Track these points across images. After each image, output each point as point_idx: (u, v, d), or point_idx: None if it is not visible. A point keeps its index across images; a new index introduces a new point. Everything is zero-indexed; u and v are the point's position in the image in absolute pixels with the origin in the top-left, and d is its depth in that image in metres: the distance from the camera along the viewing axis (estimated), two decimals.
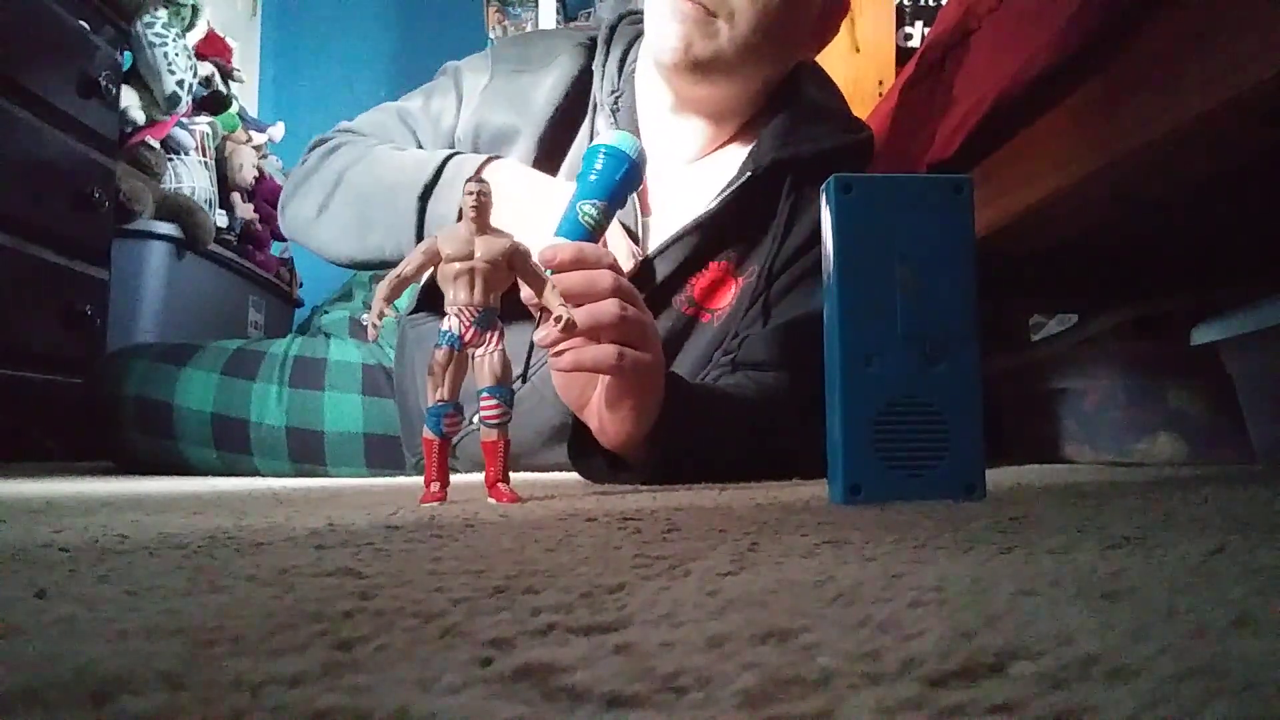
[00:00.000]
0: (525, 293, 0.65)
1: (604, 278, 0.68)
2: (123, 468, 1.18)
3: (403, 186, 0.87)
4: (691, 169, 0.98)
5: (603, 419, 0.73)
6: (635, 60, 0.98)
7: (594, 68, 0.98)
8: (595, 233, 0.73)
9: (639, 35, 1.00)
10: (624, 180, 0.74)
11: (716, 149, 0.99)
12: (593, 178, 0.74)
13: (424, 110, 1.02)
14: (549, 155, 0.95)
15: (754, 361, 0.90)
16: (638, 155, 0.75)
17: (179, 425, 1.11)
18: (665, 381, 0.75)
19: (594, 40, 1.01)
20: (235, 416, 1.10)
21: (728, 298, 0.94)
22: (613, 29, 1.01)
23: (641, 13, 0.97)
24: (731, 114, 0.97)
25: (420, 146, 1.00)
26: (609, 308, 0.67)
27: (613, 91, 0.97)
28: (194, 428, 1.11)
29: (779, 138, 0.94)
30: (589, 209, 0.73)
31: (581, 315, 0.66)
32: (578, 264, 0.68)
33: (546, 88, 0.97)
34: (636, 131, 0.95)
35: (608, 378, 0.71)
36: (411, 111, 1.02)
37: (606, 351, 0.68)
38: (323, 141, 1.02)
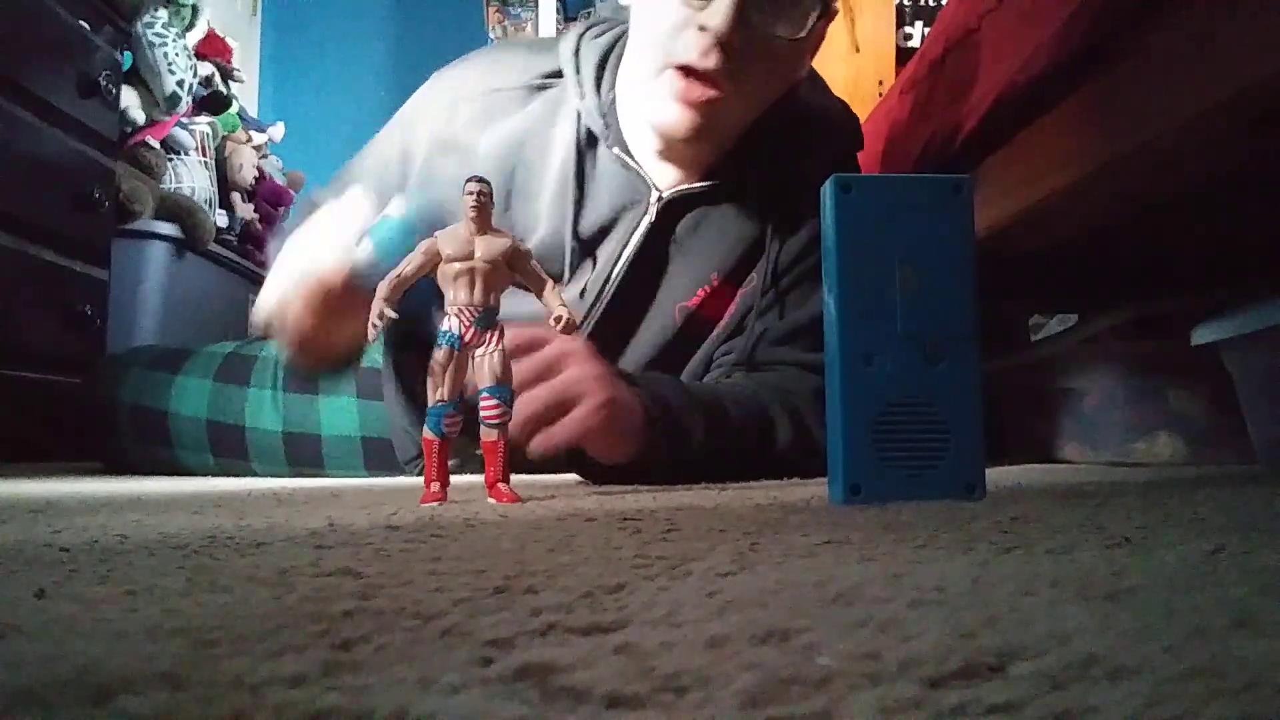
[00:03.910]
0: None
1: (551, 353, 0.69)
2: (117, 470, 1.18)
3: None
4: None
5: (586, 450, 0.74)
6: (613, 89, 0.91)
7: (578, 108, 0.92)
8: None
9: (606, 54, 0.93)
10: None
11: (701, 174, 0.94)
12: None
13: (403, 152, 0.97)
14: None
15: (755, 364, 0.90)
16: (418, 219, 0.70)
17: (175, 433, 1.11)
18: (665, 386, 0.76)
19: (546, 79, 0.94)
20: (231, 423, 1.10)
21: (729, 307, 0.94)
22: (577, 65, 0.93)
23: (599, 24, 0.94)
24: (723, 147, 0.92)
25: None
26: (537, 394, 0.68)
27: (605, 126, 0.91)
28: (190, 435, 1.11)
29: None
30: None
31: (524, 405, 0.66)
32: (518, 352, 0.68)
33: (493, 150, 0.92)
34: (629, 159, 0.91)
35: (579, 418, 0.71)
36: (402, 153, 0.98)
37: (569, 424, 0.68)
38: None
